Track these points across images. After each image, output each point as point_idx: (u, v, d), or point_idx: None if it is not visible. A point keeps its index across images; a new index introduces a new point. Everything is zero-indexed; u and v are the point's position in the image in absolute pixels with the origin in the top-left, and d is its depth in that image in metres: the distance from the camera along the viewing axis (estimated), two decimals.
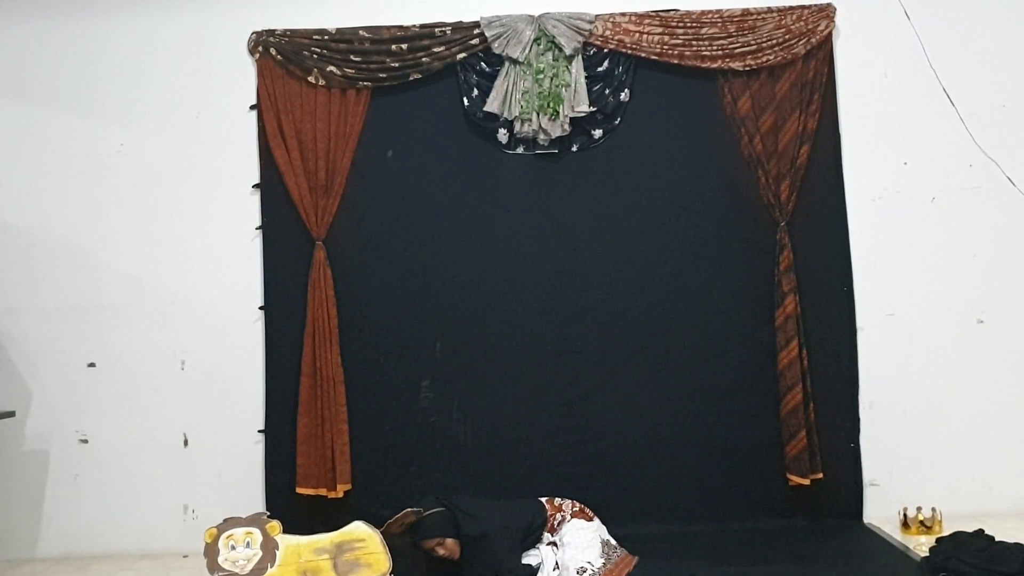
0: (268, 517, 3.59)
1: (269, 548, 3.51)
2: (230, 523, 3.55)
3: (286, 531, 3.56)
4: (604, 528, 4.04)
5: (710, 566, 3.87)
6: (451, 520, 3.83)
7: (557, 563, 3.81)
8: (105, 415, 4.75)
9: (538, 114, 4.61)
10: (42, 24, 4.82)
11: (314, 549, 3.55)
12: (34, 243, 4.80)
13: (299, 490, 4.55)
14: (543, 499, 4.12)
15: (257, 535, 3.52)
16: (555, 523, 3.97)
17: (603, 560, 3.82)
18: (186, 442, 4.77)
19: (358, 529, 3.60)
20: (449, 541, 3.81)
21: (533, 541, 3.93)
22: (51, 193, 4.81)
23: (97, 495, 4.74)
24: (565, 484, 4.45)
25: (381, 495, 4.60)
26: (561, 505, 4.06)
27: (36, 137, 4.82)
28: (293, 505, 4.53)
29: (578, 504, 4.10)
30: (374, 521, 3.69)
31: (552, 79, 4.62)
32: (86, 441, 4.76)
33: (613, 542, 3.99)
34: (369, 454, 4.65)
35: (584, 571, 3.73)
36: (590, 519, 4.02)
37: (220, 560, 3.47)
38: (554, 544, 3.91)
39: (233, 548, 3.49)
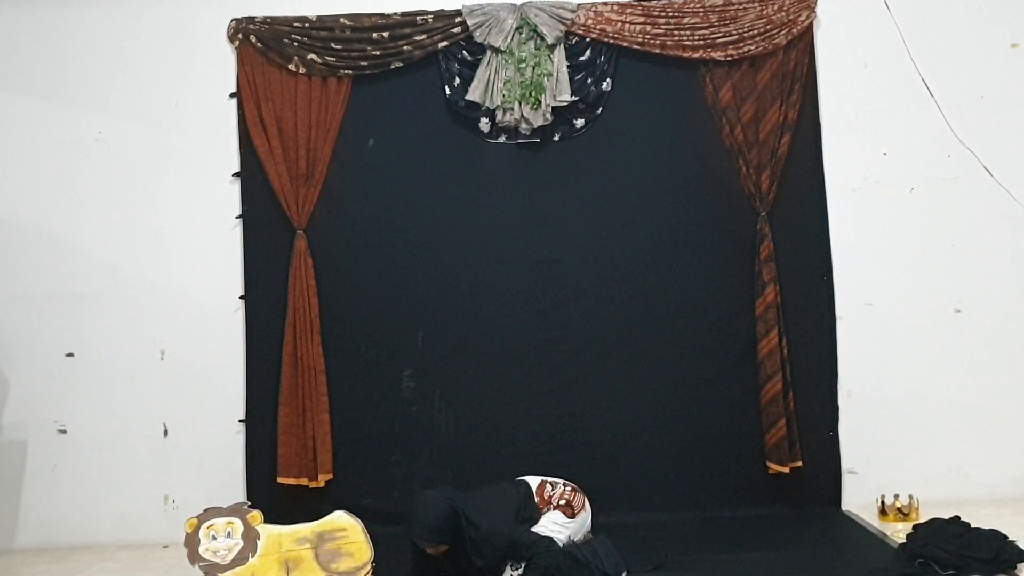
0: (249, 507, 3.58)
1: (250, 538, 3.50)
2: (211, 513, 3.54)
3: (267, 521, 3.55)
4: (587, 526, 3.95)
5: (686, 553, 3.88)
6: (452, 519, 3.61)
7: None
8: (84, 405, 4.72)
9: (520, 103, 4.60)
10: (19, 10, 4.76)
11: (295, 539, 3.54)
12: (11, 231, 4.75)
13: (280, 480, 4.54)
14: (534, 485, 4.01)
15: (238, 525, 3.51)
16: (539, 516, 3.88)
17: None
18: (166, 432, 4.74)
19: (339, 519, 3.60)
20: (442, 548, 3.61)
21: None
22: (28, 181, 4.76)
23: (76, 486, 4.71)
24: (547, 473, 4.42)
25: (363, 485, 4.60)
26: (550, 498, 3.95)
27: (12, 125, 4.76)
28: (274, 495, 4.53)
29: (567, 496, 3.97)
30: (355, 511, 3.68)
31: (534, 68, 4.61)
32: (65, 431, 4.73)
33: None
34: (350, 444, 4.65)
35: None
36: (571, 516, 3.91)
37: (201, 550, 3.46)
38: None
39: (214, 538, 3.48)
